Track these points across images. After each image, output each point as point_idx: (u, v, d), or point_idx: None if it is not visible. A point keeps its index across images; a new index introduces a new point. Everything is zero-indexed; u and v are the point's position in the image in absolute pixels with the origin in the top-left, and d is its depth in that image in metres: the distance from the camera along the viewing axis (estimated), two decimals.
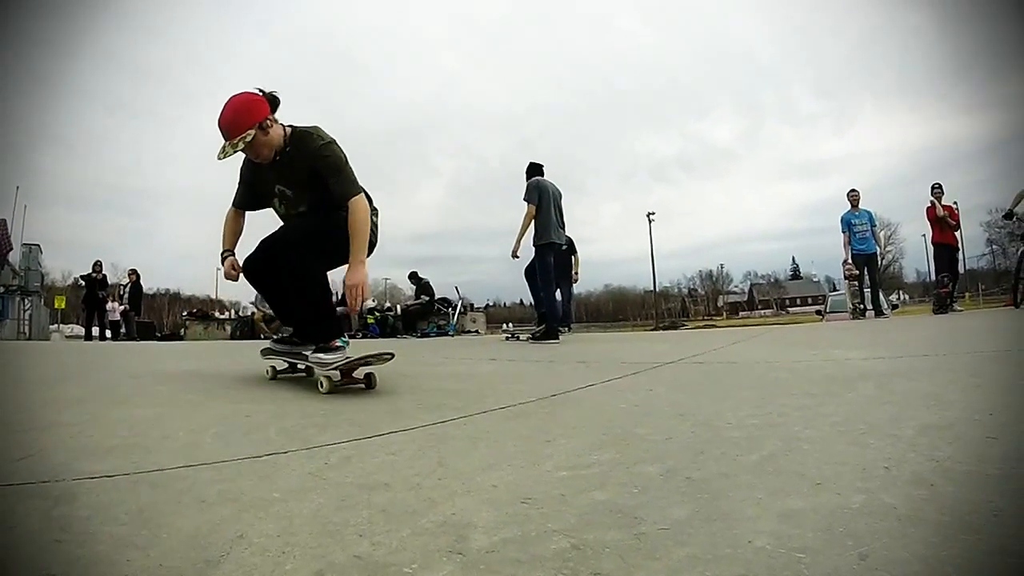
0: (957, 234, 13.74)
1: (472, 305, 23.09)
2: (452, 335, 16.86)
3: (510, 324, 19.88)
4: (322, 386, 3.21)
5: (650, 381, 3.58)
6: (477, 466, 1.78)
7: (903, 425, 2.03)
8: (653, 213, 62.79)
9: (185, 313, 25.47)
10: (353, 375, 3.40)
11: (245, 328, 19.09)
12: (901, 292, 65.34)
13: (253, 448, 2.05)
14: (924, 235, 13.53)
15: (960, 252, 15.33)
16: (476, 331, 18.64)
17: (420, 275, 19.12)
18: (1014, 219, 12.15)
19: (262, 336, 17.41)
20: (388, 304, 21.97)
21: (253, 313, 19.20)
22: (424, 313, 18.47)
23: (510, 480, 1.63)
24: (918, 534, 1.17)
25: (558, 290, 9.65)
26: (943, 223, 12.88)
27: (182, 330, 22.15)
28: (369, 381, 3.39)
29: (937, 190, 12.97)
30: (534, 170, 9.22)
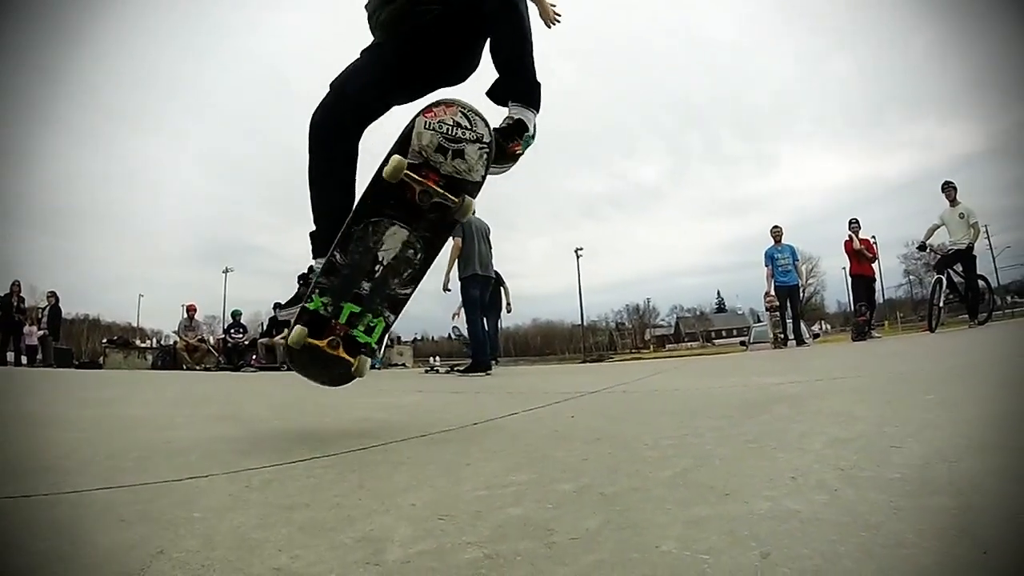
0: (875, 265, 14.53)
1: (399, 338, 22.90)
2: (378, 368, 16.67)
3: (437, 358, 19.76)
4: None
5: (572, 409, 3.66)
6: (397, 488, 1.82)
7: (812, 439, 2.12)
8: (581, 249, 64.14)
9: (105, 340, 24.48)
10: None
11: (167, 358, 18.45)
12: (823, 322, 68.07)
13: (174, 472, 2.05)
14: (844, 268, 14.26)
15: (877, 282, 16.12)
16: (403, 364, 18.45)
17: None
18: (928, 250, 12.83)
19: (184, 367, 16.86)
20: None
21: (175, 342, 18.60)
22: None
23: (428, 499, 1.67)
24: (818, 533, 1.22)
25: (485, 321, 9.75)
26: (860, 255, 13.67)
27: (101, 358, 21.30)
28: None
29: (855, 225, 13.79)
30: None
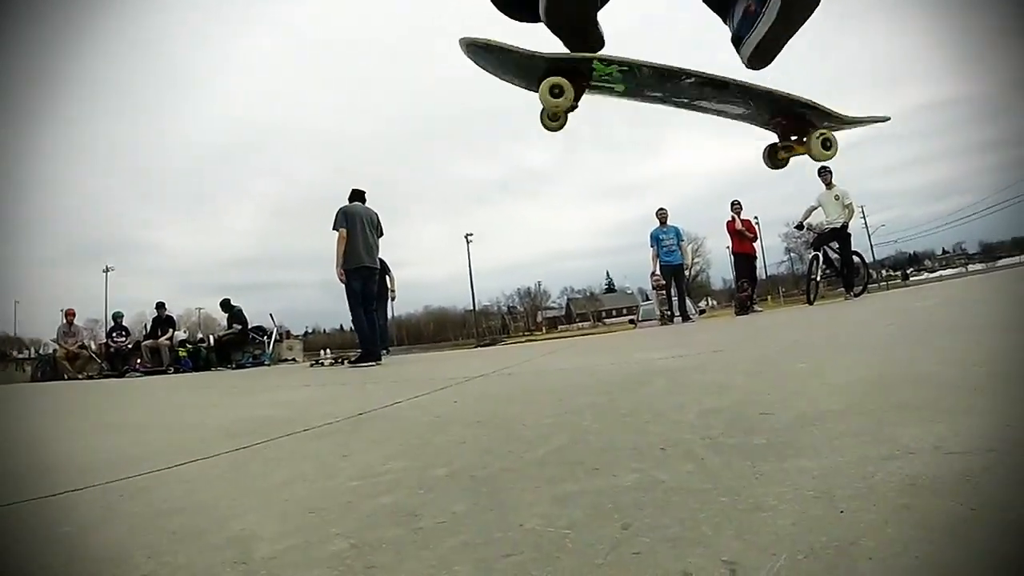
0: (756, 244, 15.12)
1: (288, 332, 22.37)
2: (269, 364, 16.22)
3: (327, 350, 19.39)
4: None
5: (457, 394, 3.69)
6: (272, 485, 1.83)
7: (686, 411, 2.17)
8: (471, 234, 64.37)
9: None
10: None
11: (47, 368, 17.27)
12: (709, 298, 70.95)
13: (49, 488, 1.98)
14: (727, 247, 14.82)
15: (759, 260, 16.85)
16: (293, 359, 17.97)
17: (232, 303, 18.24)
18: (805, 229, 13.46)
19: (66, 376, 15.86)
20: (201, 336, 20.78)
21: (55, 351, 17.44)
22: (238, 343, 17.58)
23: (302, 494, 1.69)
24: (681, 502, 1.24)
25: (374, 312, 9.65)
26: (742, 235, 14.30)
27: None
28: None
29: (736, 206, 14.41)
30: (355, 196, 9.35)
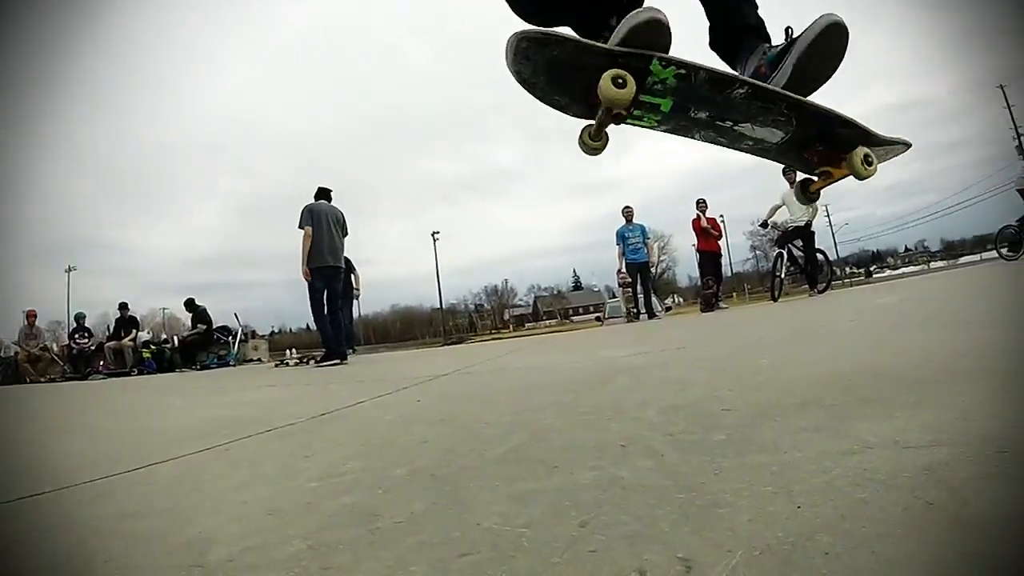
0: (721, 242, 15.28)
1: (253, 332, 22.13)
2: (234, 365, 16.02)
3: (293, 350, 19.18)
4: None
5: (420, 393, 3.67)
6: (233, 486, 1.82)
7: (647, 408, 2.17)
8: (438, 233, 64.40)
9: None
10: None
11: (8, 371, 16.83)
12: (676, 296, 71.61)
13: (3, 492, 1.95)
14: (693, 244, 14.93)
15: (724, 257, 17.04)
16: (259, 359, 17.76)
17: (197, 303, 17.98)
18: (770, 227, 13.61)
19: (28, 379, 15.49)
20: (165, 336, 20.44)
21: (16, 353, 17.04)
22: (203, 343, 17.33)
23: (262, 496, 1.68)
24: (639, 499, 1.24)
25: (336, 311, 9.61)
26: (707, 233, 14.48)
27: None
28: None
29: (702, 204, 14.59)
30: (321, 194, 9.31)
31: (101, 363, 17.03)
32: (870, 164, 2.10)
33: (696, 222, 14.52)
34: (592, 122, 2.09)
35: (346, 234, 9.26)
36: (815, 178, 2.32)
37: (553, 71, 2.03)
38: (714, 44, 2.29)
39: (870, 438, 1.41)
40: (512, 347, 8.25)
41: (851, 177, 2.11)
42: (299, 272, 8.80)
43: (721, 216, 15.12)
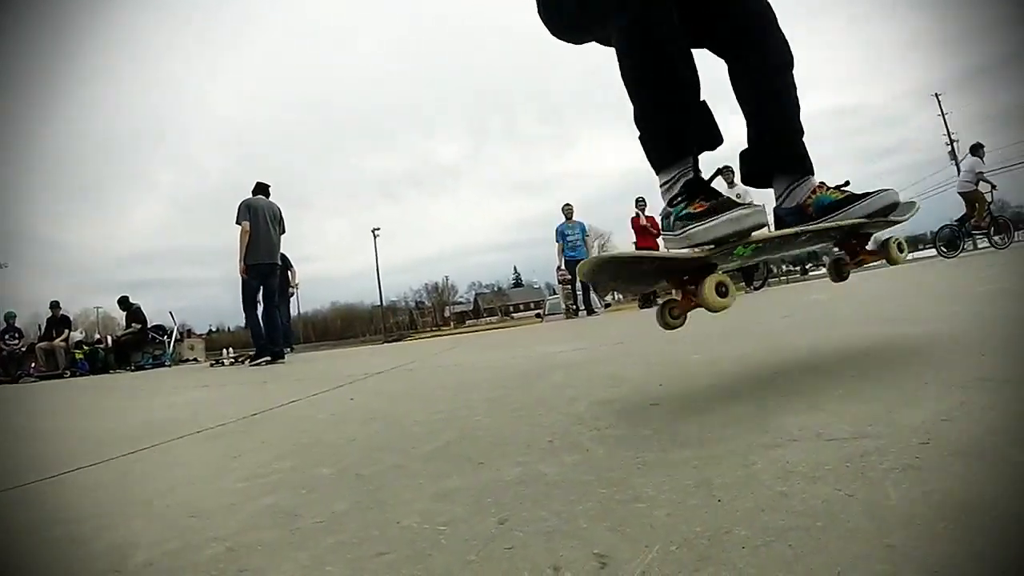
0: (659, 240, 15.48)
1: (190, 331, 21.69)
2: (169, 365, 15.66)
3: (230, 349, 18.85)
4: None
5: (355, 391, 3.67)
6: (158, 490, 1.82)
7: (578, 403, 2.18)
8: (378, 229, 63.93)
9: None
10: None
11: None
12: (616, 292, 72.19)
13: None
14: (633, 242, 15.12)
15: None
16: (195, 359, 17.38)
17: (131, 300, 17.50)
18: None
19: None
20: (99, 336, 19.84)
21: None
22: (137, 343, 16.88)
23: (185, 498, 1.69)
24: (561, 494, 1.23)
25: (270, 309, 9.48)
26: (645, 231, 14.71)
27: None
28: None
29: (641, 203, 14.81)
30: (259, 189, 9.16)
31: (32, 365, 16.59)
32: (902, 251, 2.20)
33: (635, 220, 14.76)
34: (675, 299, 2.03)
35: (283, 231, 9.14)
36: (847, 258, 2.32)
37: (637, 277, 2.02)
38: (753, 158, 2.36)
39: (794, 431, 1.41)
40: (451, 344, 8.25)
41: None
42: (237, 269, 8.65)
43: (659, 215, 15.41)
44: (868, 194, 2.10)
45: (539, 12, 2.33)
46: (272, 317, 8.89)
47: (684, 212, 1.89)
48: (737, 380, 2.22)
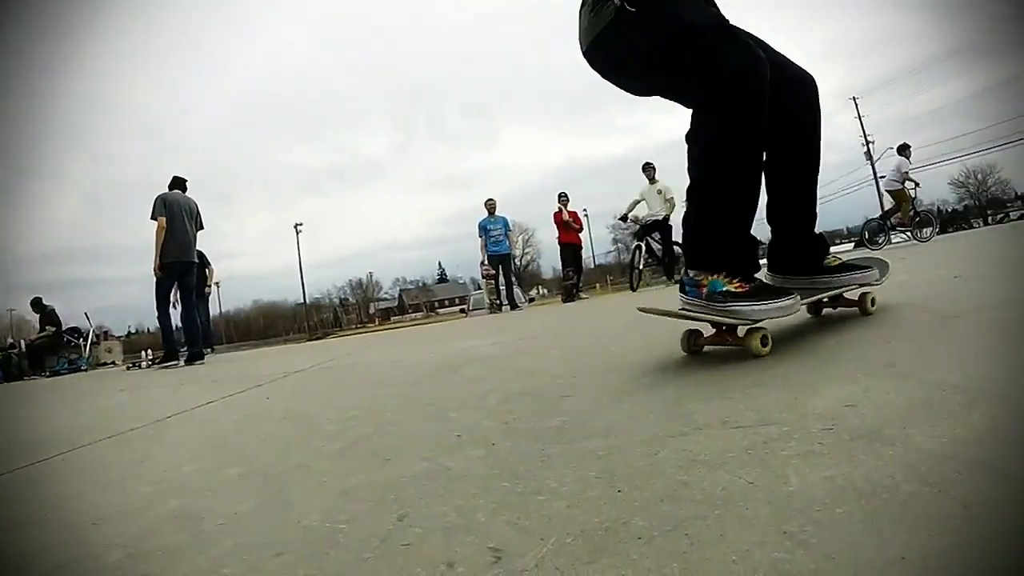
0: (582, 235, 15.67)
1: (107, 333, 20.88)
2: (86, 369, 14.97)
3: (149, 351, 18.19)
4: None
5: (272, 391, 3.61)
6: (62, 498, 1.79)
7: (490, 397, 2.17)
8: (301, 224, 62.80)
9: None
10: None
11: None
12: (540, 287, 73.05)
13: None
14: (557, 237, 15.20)
15: (586, 250, 17.52)
16: (113, 362, 16.71)
17: (44, 302, 16.70)
18: (628, 221, 14.10)
19: None
20: (11, 340, 18.90)
21: None
22: (52, 347, 16.10)
23: (90, 505, 1.65)
24: (462, 488, 1.23)
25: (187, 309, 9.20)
26: (568, 226, 14.84)
27: None
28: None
29: (563, 198, 14.94)
30: (176, 184, 8.79)
31: None
32: (874, 304, 2.48)
33: (558, 215, 14.86)
34: (698, 330, 2.34)
35: (200, 227, 8.85)
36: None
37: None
38: (775, 265, 2.61)
39: (699, 420, 1.43)
40: (373, 341, 8.17)
41: None
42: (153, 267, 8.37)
43: (584, 210, 15.58)
44: (859, 266, 2.51)
45: (588, 54, 2.42)
46: (191, 317, 8.63)
47: (724, 288, 2.13)
48: (651, 371, 2.22)
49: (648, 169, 13.41)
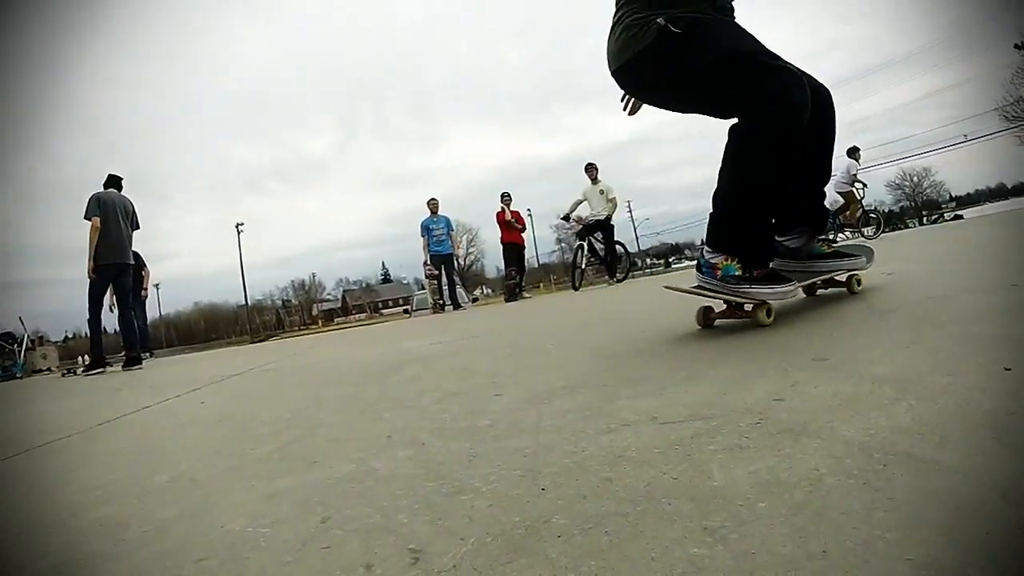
0: (525, 235, 15.69)
1: (42, 338, 20.18)
2: (20, 376, 14.44)
3: (86, 357, 17.64)
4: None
5: (209, 395, 3.56)
6: None
7: (425, 397, 2.17)
8: (242, 224, 61.80)
9: None
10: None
11: None
12: (484, 287, 73.08)
13: None
14: (500, 236, 15.21)
15: (529, 249, 17.56)
16: (49, 369, 16.14)
17: None
18: (571, 221, 14.17)
19: None
20: None
21: None
22: None
23: (17, 517, 1.61)
24: (387, 490, 1.22)
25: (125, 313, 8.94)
26: (510, 225, 14.85)
27: None
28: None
29: (506, 198, 14.95)
30: (111, 182, 8.53)
31: None
32: (860, 284, 2.88)
33: (500, 215, 14.86)
34: (710, 306, 2.70)
35: (136, 227, 8.60)
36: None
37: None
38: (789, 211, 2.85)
39: (629, 416, 1.44)
40: (315, 342, 8.09)
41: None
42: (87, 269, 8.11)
43: (528, 210, 15.63)
44: (848, 254, 2.89)
45: (621, 70, 2.64)
46: (127, 320, 8.39)
47: (735, 273, 2.53)
48: (585, 368, 2.24)
49: (590, 169, 13.48)
